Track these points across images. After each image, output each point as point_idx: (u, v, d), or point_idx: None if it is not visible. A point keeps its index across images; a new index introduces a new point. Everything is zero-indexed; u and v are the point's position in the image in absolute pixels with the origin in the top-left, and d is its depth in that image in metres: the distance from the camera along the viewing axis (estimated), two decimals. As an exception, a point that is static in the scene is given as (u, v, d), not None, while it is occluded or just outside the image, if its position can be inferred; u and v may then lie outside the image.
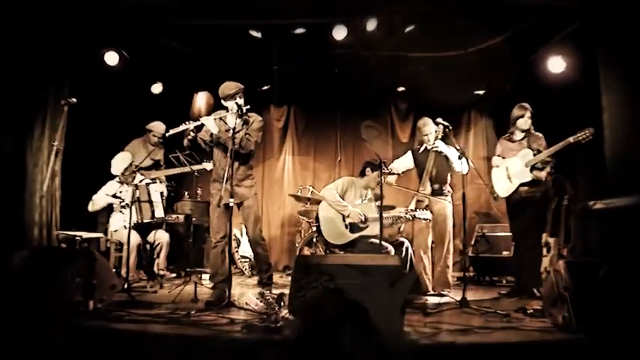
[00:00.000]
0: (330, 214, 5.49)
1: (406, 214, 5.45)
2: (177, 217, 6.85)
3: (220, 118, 4.96)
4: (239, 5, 5.85)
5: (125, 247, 5.42)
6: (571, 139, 5.19)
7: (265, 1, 5.80)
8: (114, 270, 5.25)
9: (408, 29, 6.67)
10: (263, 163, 8.81)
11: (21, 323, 3.58)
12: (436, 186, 5.67)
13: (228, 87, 4.96)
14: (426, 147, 5.74)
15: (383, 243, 4.94)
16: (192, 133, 4.95)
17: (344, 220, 5.44)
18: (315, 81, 8.46)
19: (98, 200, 6.04)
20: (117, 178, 6.10)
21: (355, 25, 6.44)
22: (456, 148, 5.41)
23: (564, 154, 5.65)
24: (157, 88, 7.99)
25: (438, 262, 5.62)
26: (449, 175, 5.72)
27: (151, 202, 5.80)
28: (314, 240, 6.56)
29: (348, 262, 3.48)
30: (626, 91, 5.52)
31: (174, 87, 8.17)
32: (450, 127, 5.42)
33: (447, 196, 5.66)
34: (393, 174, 5.76)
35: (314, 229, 6.65)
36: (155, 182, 6.09)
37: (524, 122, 5.59)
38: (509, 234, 6.15)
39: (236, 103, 4.87)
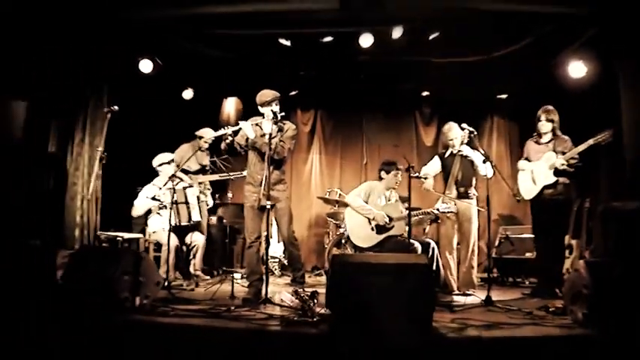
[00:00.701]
0: (357, 218, 5.73)
1: (432, 211, 5.64)
2: (210, 218, 7.12)
3: (257, 124, 5.20)
4: (270, 17, 6.05)
5: (164, 247, 5.68)
6: (591, 141, 5.30)
7: (295, 14, 5.99)
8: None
9: (432, 36, 6.82)
10: (291, 165, 8.98)
11: (69, 318, 3.86)
12: (462, 189, 5.83)
13: (266, 94, 5.20)
14: (451, 151, 5.92)
15: (411, 241, 5.16)
16: (229, 137, 5.20)
17: (370, 223, 5.67)
18: (341, 86, 8.65)
19: (140, 205, 6.28)
20: (156, 180, 6.35)
21: (381, 33, 6.63)
22: (480, 152, 5.58)
23: (587, 156, 5.86)
24: (187, 94, 8.25)
25: (463, 262, 5.79)
26: (474, 178, 5.88)
27: (188, 205, 6.05)
28: (342, 241, 6.77)
29: (379, 261, 3.72)
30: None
31: (204, 93, 8.44)
32: (475, 133, 5.59)
33: (472, 198, 5.81)
34: (419, 177, 5.95)
35: (342, 230, 6.87)
36: (192, 187, 6.34)
37: (542, 125, 5.68)
38: (532, 236, 6.25)
39: (272, 110, 5.10)
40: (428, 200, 6.69)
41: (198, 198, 6.37)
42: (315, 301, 4.11)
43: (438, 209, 5.57)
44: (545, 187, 5.54)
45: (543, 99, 6.72)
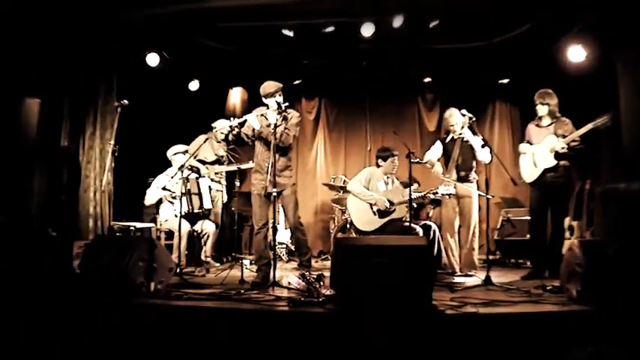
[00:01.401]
0: (359, 204, 5.91)
1: (430, 192, 5.81)
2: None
3: (262, 115, 5.37)
4: (273, 9, 6.20)
5: (176, 234, 5.88)
6: (591, 125, 5.37)
7: (297, 6, 6.13)
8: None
9: (432, 24, 6.95)
10: (296, 153, 9.11)
11: (88, 303, 4.07)
12: (462, 173, 5.95)
13: (269, 86, 5.35)
14: (452, 136, 6.06)
15: (412, 225, 5.35)
16: (236, 129, 5.39)
17: (372, 208, 5.85)
18: (345, 74, 8.82)
19: (152, 194, 6.46)
20: (168, 170, 6.55)
21: (382, 22, 6.76)
22: (479, 137, 5.72)
23: (588, 139, 5.93)
24: (194, 85, 8.44)
25: (465, 244, 5.93)
26: (474, 162, 6.00)
27: (200, 194, 6.25)
28: (347, 226, 6.96)
29: (381, 243, 3.92)
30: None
31: (210, 84, 8.63)
32: (474, 119, 5.74)
33: (472, 182, 5.94)
34: (420, 162, 6.11)
35: (346, 216, 7.06)
36: (203, 177, 6.52)
37: (538, 109, 5.77)
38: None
39: (276, 100, 5.27)
40: (432, 184, 6.86)
41: (209, 187, 6.56)
42: (321, 283, 4.32)
43: (437, 192, 5.72)
44: (546, 170, 5.60)
45: (544, 84, 6.84)
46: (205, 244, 6.40)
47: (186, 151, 6.45)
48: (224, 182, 7.28)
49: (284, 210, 5.69)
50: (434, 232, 5.71)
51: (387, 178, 6.07)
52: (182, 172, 5.80)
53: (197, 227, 6.36)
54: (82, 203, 6.32)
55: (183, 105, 8.51)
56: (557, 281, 4.77)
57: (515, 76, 8.54)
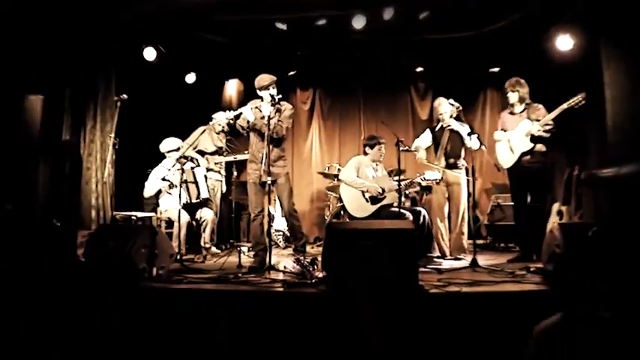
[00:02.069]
0: (351, 192, 6.12)
1: (417, 177, 6.02)
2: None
3: (256, 107, 5.56)
4: (267, 2, 6.36)
5: (176, 223, 6.09)
6: (565, 105, 5.54)
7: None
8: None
9: (422, 16, 7.13)
10: (292, 143, 9.31)
11: (93, 288, 4.30)
12: (451, 160, 6.16)
13: (263, 79, 5.53)
14: (441, 125, 6.26)
15: (402, 211, 5.57)
16: (232, 121, 5.59)
17: (364, 195, 6.07)
18: (338, 65, 8.97)
19: (151, 186, 6.66)
20: (164, 162, 6.74)
21: (373, 14, 6.93)
22: (466, 126, 5.93)
23: (570, 124, 6.15)
24: (190, 78, 8.62)
25: (454, 229, 6.15)
26: (462, 150, 6.20)
27: (197, 183, 6.46)
28: (342, 213, 7.17)
29: (369, 227, 4.16)
30: (625, 67, 5.91)
31: (206, 76, 8.80)
32: (461, 108, 5.95)
33: (460, 169, 6.14)
34: (409, 150, 6.33)
35: (340, 204, 7.27)
36: (199, 166, 6.73)
37: (509, 96, 5.93)
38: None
39: (270, 93, 5.46)
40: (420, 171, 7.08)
41: (205, 177, 6.76)
42: (315, 266, 4.57)
43: (424, 177, 5.93)
44: (523, 154, 5.75)
45: (534, 72, 7.02)
46: (204, 231, 6.60)
47: (179, 148, 6.64)
48: (223, 172, 7.50)
49: (279, 198, 5.90)
50: (424, 217, 5.92)
51: (376, 165, 6.28)
52: (180, 163, 5.99)
53: (196, 216, 6.57)
54: (84, 194, 6.49)
55: (181, 98, 8.66)
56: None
57: (505, 64, 8.62)
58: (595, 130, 7.02)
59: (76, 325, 3.93)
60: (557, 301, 3.83)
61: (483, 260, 5.46)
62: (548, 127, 5.66)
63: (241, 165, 7.71)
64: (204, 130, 6.99)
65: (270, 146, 5.37)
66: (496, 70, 8.90)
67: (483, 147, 6.10)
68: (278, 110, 5.51)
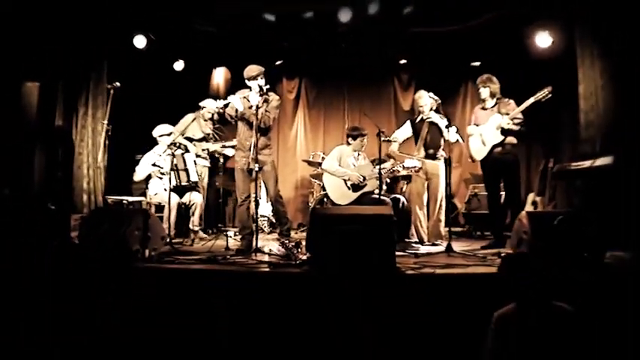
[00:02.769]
0: (334, 180, 6.39)
1: (397, 165, 6.30)
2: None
3: (244, 97, 5.79)
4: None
5: (166, 205, 6.31)
6: (532, 99, 5.78)
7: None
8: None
9: (406, 10, 7.38)
10: (277, 131, 9.50)
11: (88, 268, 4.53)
12: (430, 151, 6.41)
13: (252, 70, 5.76)
14: (421, 117, 6.52)
15: (382, 197, 5.86)
16: (221, 110, 5.82)
17: (346, 184, 6.34)
18: (324, 55, 9.21)
19: (141, 170, 6.84)
20: (156, 148, 6.95)
21: (359, 8, 7.15)
22: (445, 119, 6.21)
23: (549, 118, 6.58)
24: (179, 65, 8.78)
25: (432, 216, 6.43)
26: (441, 141, 6.44)
27: (186, 169, 6.68)
28: (325, 200, 7.43)
29: (351, 213, 4.44)
30: (598, 65, 6.16)
31: (194, 64, 8.97)
32: (440, 101, 6.24)
33: (439, 159, 6.40)
34: (390, 141, 6.61)
35: (323, 192, 7.54)
36: (189, 152, 6.95)
37: (480, 92, 6.23)
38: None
39: (258, 83, 5.68)
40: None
41: (194, 162, 6.99)
42: (299, 249, 4.85)
43: (404, 165, 6.21)
44: (494, 146, 6.00)
45: (513, 66, 7.32)
46: (193, 215, 6.82)
47: (171, 133, 6.84)
48: (208, 160, 7.72)
49: (265, 184, 6.13)
50: (402, 204, 6.21)
51: (357, 154, 6.55)
52: (171, 149, 6.21)
53: (185, 199, 6.79)
54: (76, 179, 6.70)
55: (169, 84, 8.81)
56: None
57: (486, 58, 8.87)
58: (568, 125, 7.36)
59: (72, 305, 4.17)
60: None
61: (459, 246, 5.77)
62: (517, 121, 5.91)
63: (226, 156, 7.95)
64: (194, 119, 7.19)
65: (258, 135, 5.61)
66: (477, 64, 9.12)
67: (460, 139, 6.37)
68: (266, 100, 5.73)
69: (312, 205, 7.85)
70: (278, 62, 9.21)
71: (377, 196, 5.87)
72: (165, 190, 6.40)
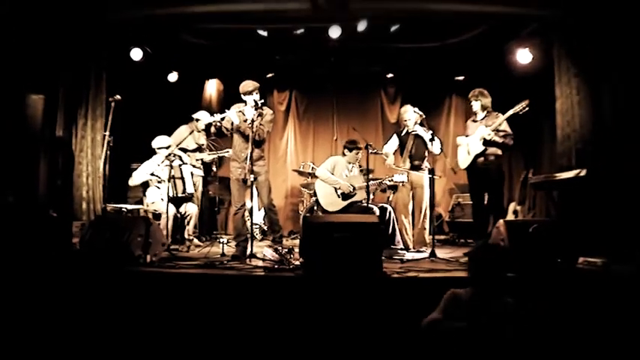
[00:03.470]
0: (325, 188, 6.71)
1: (387, 179, 6.61)
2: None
3: (240, 111, 6.09)
4: (250, 14, 6.87)
5: (164, 215, 6.59)
6: (511, 112, 6.10)
7: (271, 12, 6.81)
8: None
9: (393, 28, 7.73)
10: (269, 141, 9.64)
11: (91, 273, 4.80)
12: (415, 162, 6.77)
13: (247, 85, 6.06)
14: (407, 130, 6.87)
15: (370, 206, 6.19)
16: (218, 123, 6.12)
17: (336, 192, 6.67)
18: (314, 69, 9.59)
19: (138, 176, 7.14)
20: (154, 158, 7.23)
21: (348, 26, 7.48)
22: (429, 132, 6.54)
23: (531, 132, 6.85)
24: (172, 77, 9.07)
25: (417, 224, 6.77)
26: (426, 153, 6.76)
27: (183, 179, 6.98)
28: (314, 208, 7.74)
29: (341, 220, 4.77)
30: (575, 83, 6.53)
31: (187, 75, 9.27)
32: (424, 116, 6.58)
33: (424, 170, 6.73)
34: (377, 153, 6.95)
35: (314, 199, 7.84)
36: (186, 164, 7.24)
37: (474, 104, 6.50)
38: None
39: (253, 98, 6.00)
40: (386, 171, 7.63)
41: (191, 173, 7.29)
42: (292, 255, 5.16)
43: (392, 179, 6.55)
44: (477, 155, 6.29)
45: (494, 80, 7.64)
46: (188, 224, 7.12)
47: (169, 146, 7.13)
48: (201, 170, 8.01)
49: (259, 193, 6.43)
50: (389, 213, 6.54)
51: (350, 166, 6.88)
52: (169, 159, 6.50)
53: (181, 209, 7.09)
54: (75, 187, 6.92)
55: (164, 95, 9.09)
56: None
57: (469, 73, 9.32)
58: (548, 138, 7.73)
59: (75, 307, 4.43)
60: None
61: (442, 253, 6.10)
62: (502, 133, 6.21)
63: (220, 161, 8.25)
64: (192, 131, 7.49)
65: (253, 147, 5.91)
66: (461, 78, 9.59)
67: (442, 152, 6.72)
68: (260, 114, 6.04)
69: (303, 214, 8.16)
70: (269, 75, 9.55)
71: (365, 205, 6.19)
72: (163, 199, 6.69)
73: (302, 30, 7.77)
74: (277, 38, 8.14)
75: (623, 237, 5.43)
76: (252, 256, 5.58)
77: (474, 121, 6.58)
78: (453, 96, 9.99)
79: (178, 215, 7.05)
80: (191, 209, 7.12)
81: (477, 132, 6.33)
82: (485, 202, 6.56)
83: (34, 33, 6.11)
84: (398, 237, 6.58)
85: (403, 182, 6.53)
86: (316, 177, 6.94)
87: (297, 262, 4.94)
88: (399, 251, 6.42)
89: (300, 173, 8.83)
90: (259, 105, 6.00)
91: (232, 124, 6.08)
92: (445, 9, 6.70)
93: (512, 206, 8.10)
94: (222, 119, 6.11)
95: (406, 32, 7.97)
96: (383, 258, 4.82)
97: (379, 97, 10.11)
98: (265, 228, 8.12)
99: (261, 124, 6.01)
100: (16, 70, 5.78)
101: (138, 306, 4.39)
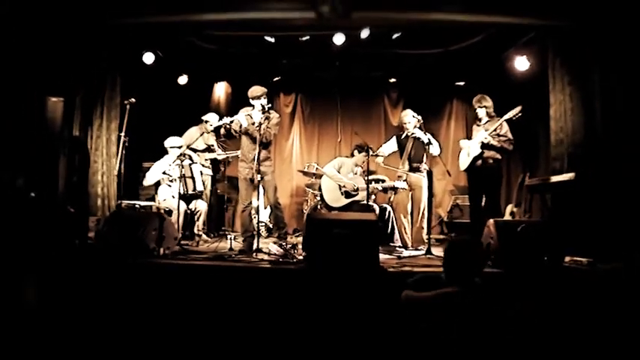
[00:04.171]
0: (330, 184, 7.11)
1: (389, 186, 7.01)
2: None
3: (248, 114, 6.45)
4: (258, 22, 7.20)
5: (175, 211, 6.95)
6: (505, 117, 6.45)
7: (279, 20, 7.14)
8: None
9: (395, 36, 8.05)
10: (275, 142, 9.83)
11: (107, 265, 5.16)
12: (414, 164, 7.10)
13: (256, 90, 6.43)
14: (406, 133, 7.21)
15: (369, 204, 6.55)
16: (227, 125, 6.48)
17: (340, 189, 7.03)
18: (319, 73, 9.91)
19: (151, 176, 7.52)
20: (166, 158, 7.59)
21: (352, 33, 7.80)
22: (427, 135, 6.88)
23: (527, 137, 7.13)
24: (182, 80, 9.38)
25: (415, 224, 7.10)
26: (424, 155, 7.11)
27: (193, 178, 7.35)
28: (318, 207, 8.09)
29: (342, 218, 5.13)
30: (568, 90, 6.79)
31: (197, 78, 9.58)
32: (422, 121, 6.93)
33: (422, 172, 7.04)
34: (379, 156, 7.30)
35: (318, 198, 8.18)
36: (196, 163, 7.61)
37: (479, 112, 6.82)
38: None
39: (261, 103, 6.36)
40: (390, 174, 7.99)
41: (201, 172, 7.65)
42: (295, 250, 5.52)
43: (394, 186, 6.92)
44: (475, 158, 6.64)
45: (496, 85, 7.92)
46: (198, 220, 7.49)
47: (181, 146, 7.49)
48: (210, 169, 8.38)
49: (265, 192, 6.78)
50: (389, 213, 6.89)
51: (356, 168, 7.23)
52: (180, 160, 6.87)
53: (191, 206, 7.45)
54: (91, 184, 7.28)
55: (174, 97, 9.40)
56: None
57: (470, 78, 9.60)
58: (543, 142, 8.02)
59: (93, 297, 4.78)
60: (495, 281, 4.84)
61: (438, 251, 6.42)
62: (504, 138, 6.54)
63: (228, 162, 8.61)
64: (202, 133, 7.85)
65: (260, 148, 6.26)
66: (461, 83, 9.86)
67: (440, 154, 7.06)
68: (267, 118, 6.40)
69: (307, 212, 8.51)
70: (276, 78, 9.87)
71: (365, 203, 6.55)
72: (174, 197, 7.06)
73: (307, 37, 8.08)
74: (284, 44, 8.44)
75: (609, 237, 5.75)
76: (259, 250, 5.94)
77: (478, 125, 6.88)
78: (454, 100, 10.22)
79: (188, 212, 7.39)
80: (201, 206, 7.47)
81: (478, 136, 6.64)
82: (483, 204, 6.86)
83: (54, 40, 6.47)
84: (397, 235, 6.92)
85: (404, 188, 6.88)
86: (320, 177, 7.29)
87: (300, 257, 5.30)
88: (397, 248, 6.77)
89: (305, 173, 9.12)
90: (266, 109, 6.35)
91: (241, 126, 6.43)
92: (445, 19, 6.93)
93: (509, 208, 8.37)
94: (232, 122, 6.46)
95: (408, 39, 8.23)
96: (381, 254, 5.17)
97: (382, 101, 10.37)
98: (271, 226, 8.44)
99: (268, 127, 6.35)
100: (36, 74, 6.13)
101: (152, 295, 4.74)
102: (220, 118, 6.79)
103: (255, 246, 6.07)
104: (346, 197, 6.98)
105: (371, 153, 6.71)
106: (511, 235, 5.14)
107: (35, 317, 4.50)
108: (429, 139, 6.73)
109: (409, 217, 7.19)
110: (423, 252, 6.38)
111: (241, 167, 6.57)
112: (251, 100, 6.45)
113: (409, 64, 9.35)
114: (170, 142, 7.57)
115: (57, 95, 6.24)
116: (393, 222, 6.91)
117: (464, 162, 6.88)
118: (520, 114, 6.38)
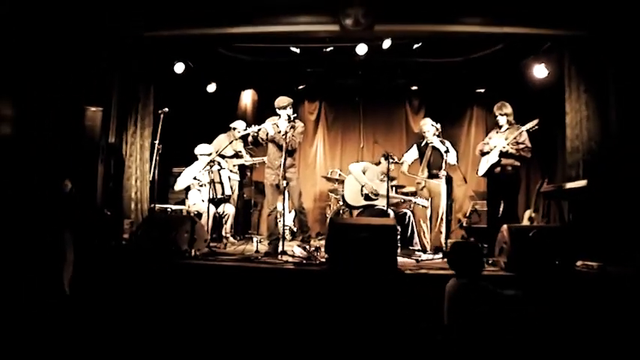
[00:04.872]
0: (353, 183, 7.47)
1: (410, 201, 7.30)
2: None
3: (275, 123, 6.78)
4: (284, 35, 7.54)
5: (204, 215, 7.30)
6: (523, 128, 6.55)
7: (304, 32, 7.48)
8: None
9: (415, 46, 8.32)
10: (299, 149, 10.14)
11: (142, 265, 5.51)
12: (434, 171, 7.32)
13: (282, 101, 6.75)
14: (425, 141, 7.46)
15: (387, 210, 6.83)
16: (255, 133, 6.83)
17: (362, 191, 7.35)
18: (342, 81, 10.20)
19: (182, 181, 7.92)
20: (196, 164, 7.96)
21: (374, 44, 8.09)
22: (445, 144, 7.12)
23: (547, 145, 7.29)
24: (211, 88, 9.71)
25: (434, 228, 7.33)
26: (443, 162, 7.26)
27: (222, 183, 7.71)
28: (341, 212, 8.38)
29: (362, 223, 5.43)
30: (584, 98, 7.01)
31: (225, 86, 9.92)
32: (440, 129, 7.19)
33: (441, 178, 7.25)
34: (399, 163, 7.56)
35: (340, 203, 8.47)
36: (224, 169, 7.97)
37: (500, 119, 6.90)
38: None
39: (287, 113, 6.69)
40: (410, 181, 8.26)
41: (229, 177, 8.01)
42: (318, 253, 5.84)
43: (416, 202, 7.21)
44: (493, 165, 6.75)
45: (515, 92, 8.09)
46: (226, 223, 7.85)
47: (211, 153, 7.84)
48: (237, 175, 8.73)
49: (290, 197, 7.09)
50: (409, 217, 7.16)
51: (381, 175, 7.53)
52: (210, 166, 7.23)
53: (220, 210, 7.80)
54: (125, 189, 7.66)
55: (203, 105, 9.78)
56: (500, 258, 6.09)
57: (490, 86, 9.79)
58: (561, 149, 8.18)
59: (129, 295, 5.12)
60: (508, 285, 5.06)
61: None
62: (522, 146, 6.65)
63: (253, 167, 8.96)
64: (231, 141, 8.21)
65: (285, 156, 6.59)
66: (482, 90, 10.06)
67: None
68: (293, 127, 6.71)
69: (330, 216, 8.80)
70: (301, 87, 10.20)
71: (382, 208, 6.84)
72: (203, 201, 7.43)
73: (331, 47, 8.40)
74: (308, 53, 8.75)
75: (620, 242, 5.95)
76: (284, 252, 6.26)
77: (497, 132, 7.00)
78: (474, 107, 10.41)
79: (217, 215, 7.75)
80: (229, 210, 7.83)
81: (496, 142, 6.76)
82: (501, 210, 7.00)
83: (92, 51, 6.88)
84: (416, 239, 7.19)
85: (424, 205, 7.15)
86: (342, 183, 7.58)
87: (323, 259, 5.62)
88: (416, 252, 7.02)
89: (328, 179, 9.40)
90: (292, 118, 6.69)
91: (267, 135, 6.76)
92: (465, 30, 7.20)
93: (527, 213, 8.56)
94: (259, 130, 6.79)
95: (429, 48, 8.49)
96: (400, 257, 5.46)
97: (404, 108, 10.63)
98: (295, 229, 8.75)
99: (293, 136, 6.67)
100: (75, 85, 6.54)
101: (185, 292, 5.08)
102: (247, 125, 7.15)
103: (280, 248, 6.40)
104: (365, 199, 7.31)
105: (392, 161, 6.97)
106: (523, 240, 5.37)
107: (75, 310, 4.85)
108: (446, 148, 6.96)
109: (428, 221, 7.43)
110: (441, 256, 6.63)
111: (268, 173, 6.90)
112: (277, 110, 6.78)
113: (430, 72, 9.58)
114: (200, 149, 7.94)
115: (95, 105, 6.65)
116: (412, 226, 7.17)
117: (483, 168, 7.02)
118: (537, 127, 6.49)
